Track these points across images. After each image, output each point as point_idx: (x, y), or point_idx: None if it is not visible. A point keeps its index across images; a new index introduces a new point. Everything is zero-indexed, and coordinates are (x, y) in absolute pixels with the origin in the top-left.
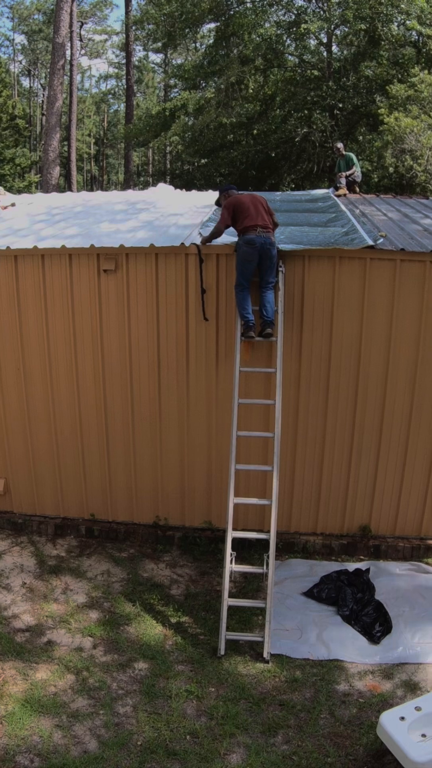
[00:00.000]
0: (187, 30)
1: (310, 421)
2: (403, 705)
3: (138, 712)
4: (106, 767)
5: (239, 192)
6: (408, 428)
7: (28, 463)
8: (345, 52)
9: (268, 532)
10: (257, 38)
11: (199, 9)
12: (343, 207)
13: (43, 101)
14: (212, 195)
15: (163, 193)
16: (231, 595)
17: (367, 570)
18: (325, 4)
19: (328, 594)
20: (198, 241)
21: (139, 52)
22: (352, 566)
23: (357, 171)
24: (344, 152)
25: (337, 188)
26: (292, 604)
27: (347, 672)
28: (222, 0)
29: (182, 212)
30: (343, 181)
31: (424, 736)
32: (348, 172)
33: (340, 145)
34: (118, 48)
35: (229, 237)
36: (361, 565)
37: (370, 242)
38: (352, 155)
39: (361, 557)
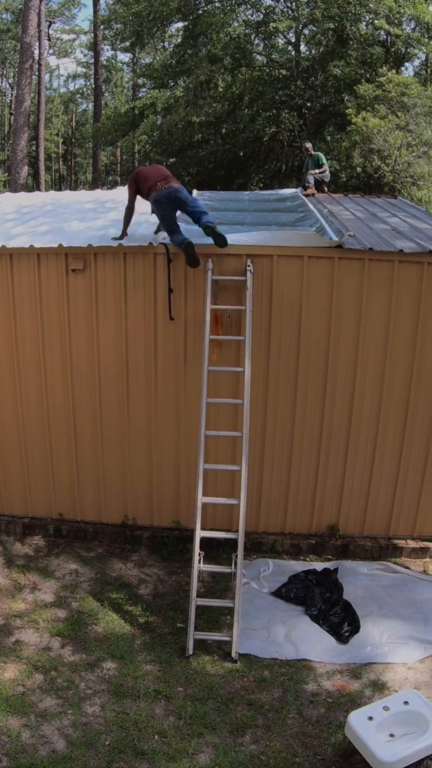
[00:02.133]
0: (155, 29)
1: (278, 420)
2: (371, 705)
3: (106, 712)
4: (74, 767)
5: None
6: (376, 427)
7: None
8: (313, 51)
9: (237, 531)
10: (225, 37)
11: (168, 8)
12: (311, 206)
13: (11, 101)
14: None
15: None
16: (199, 595)
17: (335, 569)
18: (294, 4)
19: (296, 594)
20: (163, 240)
21: (107, 52)
22: (320, 566)
23: (326, 171)
24: (313, 152)
25: (305, 188)
26: (260, 603)
27: (315, 672)
28: None
29: (150, 211)
30: (312, 180)
31: (392, 735)
32: (317, 171)
33: (309, 144)
34: (87, 47)
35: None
36: (329, 565)
37: (336, 238)
38: (321, 155)
39: (329, 557)
